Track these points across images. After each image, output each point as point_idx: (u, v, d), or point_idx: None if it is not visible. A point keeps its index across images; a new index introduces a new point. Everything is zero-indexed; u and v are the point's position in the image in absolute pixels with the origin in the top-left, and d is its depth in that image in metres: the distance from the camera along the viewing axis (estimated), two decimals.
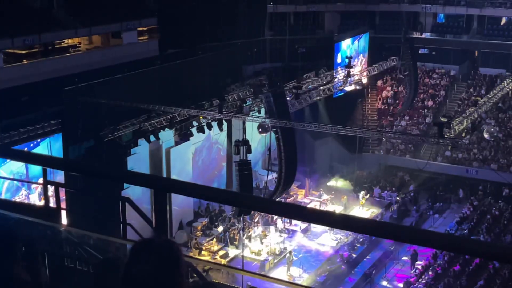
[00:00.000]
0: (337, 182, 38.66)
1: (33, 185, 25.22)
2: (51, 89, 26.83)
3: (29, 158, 3.49)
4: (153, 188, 3.31)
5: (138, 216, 6.53)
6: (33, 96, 27.21)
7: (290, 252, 30.81)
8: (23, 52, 29.56)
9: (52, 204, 5.02)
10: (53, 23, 30.34)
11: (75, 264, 5.28)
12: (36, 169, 20.77)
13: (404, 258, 31.73)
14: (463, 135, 36.05)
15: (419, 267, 30.32)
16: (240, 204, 3.21)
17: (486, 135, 31.67)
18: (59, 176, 17.24)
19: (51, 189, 5.38)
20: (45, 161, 3.61)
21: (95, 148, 27.52)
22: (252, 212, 30.72)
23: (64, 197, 15.93)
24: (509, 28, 44.45)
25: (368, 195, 37.46)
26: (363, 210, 36.28)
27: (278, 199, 30.40)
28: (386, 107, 44.42)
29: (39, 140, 26.94)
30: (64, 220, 5.77)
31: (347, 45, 39.58)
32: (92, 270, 4.87)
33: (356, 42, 40.52)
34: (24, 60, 29.43)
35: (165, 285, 2.40)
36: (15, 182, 26.45)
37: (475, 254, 2.90)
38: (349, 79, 36.45)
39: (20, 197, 26.01)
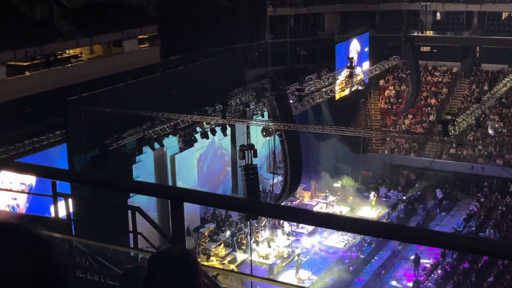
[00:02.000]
0: (343, 183, 38.63)
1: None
2: (54, 100, 26.89)
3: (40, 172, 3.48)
4: (169, 199, 3.29)
5: (145, 224, 6.51)
6: (36, 107, 27.27)
7: (298, 255, 30.76)
8: (25, 64, 29.61)
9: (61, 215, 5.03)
10: (54, 34, 30.40)
11: (86, 274, 5.29)
12: None
13: (413, 257, 31.63)
14: (468, 132, 36.03)
15: (428, 265, 30.25)
16: (256, 211, 3.20)
17: (490, 131, 31.64)
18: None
19: None
20: (60, 175, 3.62)
21: (100, 157, 27.56)
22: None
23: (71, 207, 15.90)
24: (510, 24, 44.36)
25: (376, 195, 37.44)
26: (370, 210, 36.26)
27: (284, 202, 30.40)
28: (389, 106, 44.39)
29: None
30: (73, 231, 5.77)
31: (348, 46, 39.58)
32: (110, 281, 4.89)
33: (354, 42, 40.52)
34: (27, 72, 29.47)
35: None
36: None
37: (481, 253, 2.89)
38: (351, 79, 36.45)
39: None
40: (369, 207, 36.52)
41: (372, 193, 37.08)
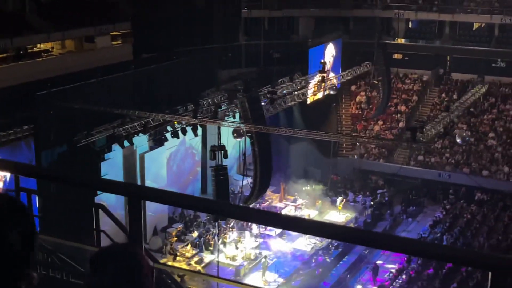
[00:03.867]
0: (312, 187, 38.77)
1: None
2: (23, 94, 26.51)
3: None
4: (127, 196, 3.26)
5: (112, 222, 6.47)
6: (5, 101, 26.83)
7: (265, 257, 30.78)
8: None
9: None
10: (25, 27, 29.99)
11: (48, 271, 5.23)
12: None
13: (379, 262, 31.89)
14: (436, 139, 36.50)
15: (393, 270, 30.52)
16: (218, 212, 3.19)
17: (458, 140, 32.06)
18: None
19: None
20: (17, 169, 3.56)
21: (68, 154, 27.23)
22: None
23: (37, 203, 15.73)
24: (481, 34, 45.13)
25: (344, 200, 37.65)
26: (338, 214, 36.44)
27: (253, 204, 30.41)
28: (360, 112, 44.73)
29: None
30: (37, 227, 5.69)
31: (321, 50, 39.81)
32: (72, 279, 4.84)
33: (330, 47, 40.78)
34: None
35: None
36: None
37: (443, 259, 2.94)
38: (323, 84, 36.66)
39: None
40: (337, 211, 36.71)
41: (340, 198, 37.30)
